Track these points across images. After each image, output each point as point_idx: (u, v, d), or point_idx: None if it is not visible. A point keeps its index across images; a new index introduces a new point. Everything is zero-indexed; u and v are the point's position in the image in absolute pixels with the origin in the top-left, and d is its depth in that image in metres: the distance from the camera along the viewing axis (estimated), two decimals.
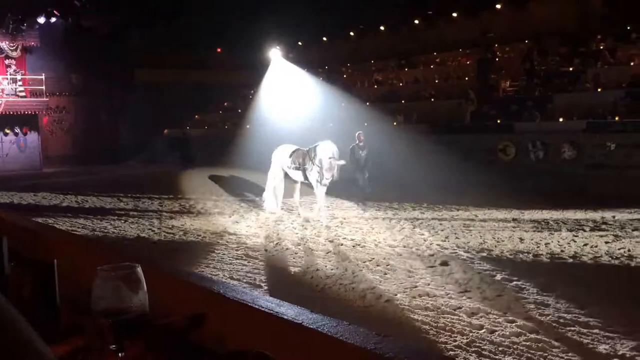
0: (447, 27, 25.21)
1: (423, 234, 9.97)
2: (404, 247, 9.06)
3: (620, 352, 4.81)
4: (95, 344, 1.44)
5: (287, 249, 9.19)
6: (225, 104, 33.71)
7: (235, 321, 1.66)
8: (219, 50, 34.79)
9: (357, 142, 13.40)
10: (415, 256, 8.43)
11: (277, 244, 9.56)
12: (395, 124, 20.73)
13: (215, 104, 33.36)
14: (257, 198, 13.73)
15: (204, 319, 1.62)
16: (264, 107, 26.97)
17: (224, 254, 8.84)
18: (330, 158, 10.81)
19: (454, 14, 25.21)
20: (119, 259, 1.47)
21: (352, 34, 29.11)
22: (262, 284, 7.17)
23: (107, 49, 28.99)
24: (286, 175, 12.18)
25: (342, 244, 9.39)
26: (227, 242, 9.76)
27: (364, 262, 8.13)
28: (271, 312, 1.60)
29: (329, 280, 7.29)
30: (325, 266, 7.97)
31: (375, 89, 24.96)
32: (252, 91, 33.00)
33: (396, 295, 6.51)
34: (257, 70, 28.93)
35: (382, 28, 27.92)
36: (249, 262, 8.32)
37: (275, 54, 27.53)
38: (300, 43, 30.26)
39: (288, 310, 1.62)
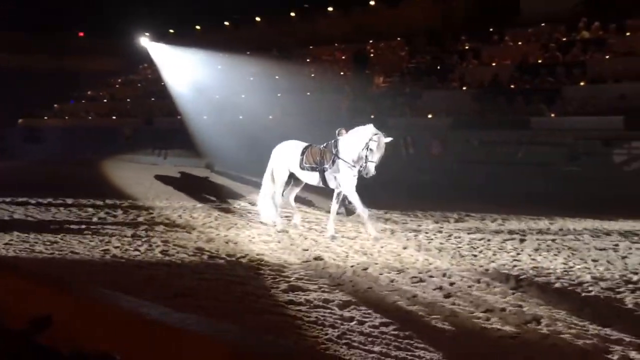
0: (322, 21, 25.41)
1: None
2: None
3: None
4: None
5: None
6: (89, 92, 31.48)
7: (95, 322, 1.65)
8: (81, 34, 32.40)
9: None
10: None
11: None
12: (270, 117, 20.50)
13: (78, 93, 31.07)
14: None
15: (51, 320, 1.54)
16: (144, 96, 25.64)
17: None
18: (375, 134, 8.50)
19: (329, 9, 25.45)
20: None
21: (227, 23, 28.42)
22: None
23: None
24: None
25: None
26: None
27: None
28: (133, 312, 1.65)
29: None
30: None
31: (251, 80, 24.49)
32: (119, 79, 31.22)
33: None
34: (125, 57, 27.34)
35: (257, 19, 27.53)
36: None
37: (145, 42, 26.13)
38: (171, 31, 28.99)
39: (151, 311, 1.72)
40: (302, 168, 9.44)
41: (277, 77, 22.62)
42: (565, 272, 7.11)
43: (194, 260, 7.77)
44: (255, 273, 7.12)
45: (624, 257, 7.82)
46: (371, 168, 8.47)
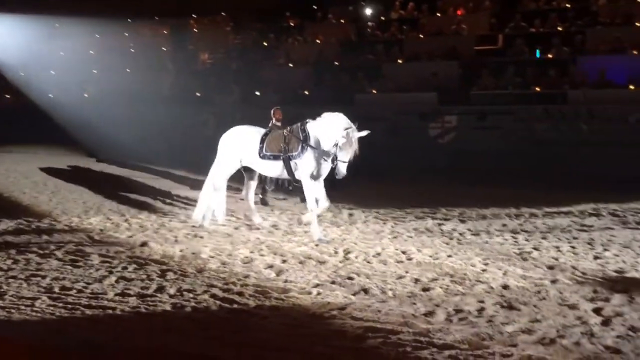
0: None
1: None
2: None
3: None
4: None
5: None
6: None
7: None
8: None
9: (273, 121, 8.84)
10: None
11: None
12: (86, 95, 18.81)
13: None
14: None
15: None
16: None
17: None
18: (347, 129, 7.32)
19: None
20: None
21: None
22: None
23: None
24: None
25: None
26: None
27: None
28: None
29: None
30: None
31: (63, 55, 22.16)
32: None
33: None
34: None
35: None
36: None
37: None
38: None
39: None
40: (263, 157, 8.00)
41: (91, 52, 20.72)
42: (390, 242, 7.35)
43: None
44: (72, 265, 6.34)
45: (440, 224, 8.36)
46: (342, 169, 7.35)
